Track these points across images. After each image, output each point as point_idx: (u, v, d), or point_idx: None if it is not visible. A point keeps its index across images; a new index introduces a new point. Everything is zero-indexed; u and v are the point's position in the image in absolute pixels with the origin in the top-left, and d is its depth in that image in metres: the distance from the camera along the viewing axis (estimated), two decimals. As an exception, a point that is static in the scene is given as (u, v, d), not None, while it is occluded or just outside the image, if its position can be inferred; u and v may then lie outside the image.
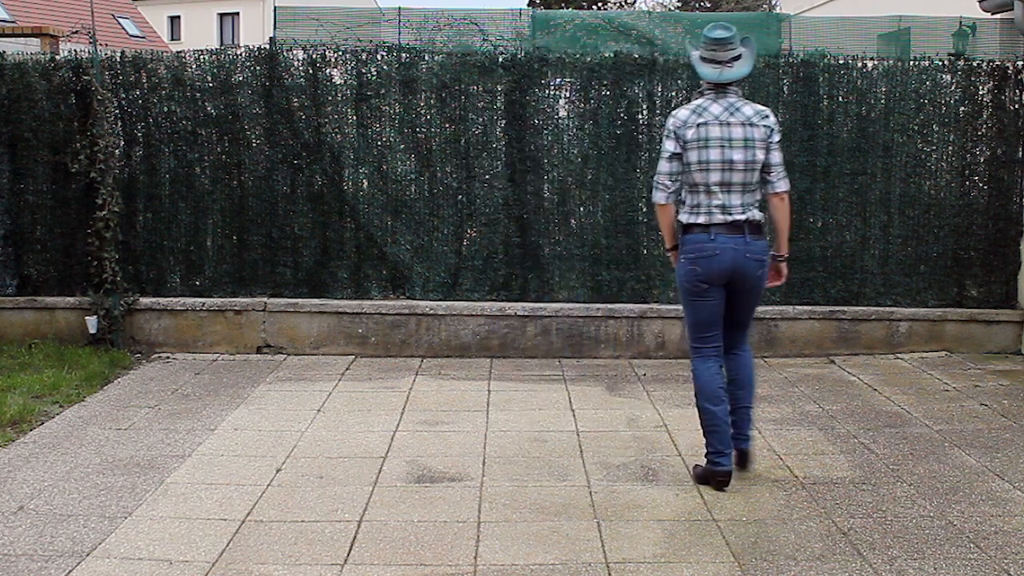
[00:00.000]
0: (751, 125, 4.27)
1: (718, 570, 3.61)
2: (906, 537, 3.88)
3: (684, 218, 4.38)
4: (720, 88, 4.31)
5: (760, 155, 4.28)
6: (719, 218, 4.28)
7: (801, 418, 5.50)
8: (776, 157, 4.34)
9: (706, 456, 4.43)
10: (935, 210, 7.08)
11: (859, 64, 6.97)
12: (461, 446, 5.03)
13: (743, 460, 4.56)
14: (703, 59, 4.32)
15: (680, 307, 6.90)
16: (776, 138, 4.33)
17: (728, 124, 4.26)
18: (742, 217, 4.29)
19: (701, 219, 4.31)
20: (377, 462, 4.77)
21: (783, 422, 5.44)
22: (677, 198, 4.40)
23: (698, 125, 4.26)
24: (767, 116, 4.33)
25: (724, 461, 4.37)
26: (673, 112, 4.41)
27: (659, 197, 4.37)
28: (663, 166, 4.34)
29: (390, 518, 4.08)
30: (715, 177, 4.26)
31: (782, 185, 4.37)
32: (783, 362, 6.89)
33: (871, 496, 4.32)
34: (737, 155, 4.25)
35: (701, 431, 4.46)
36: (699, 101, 4.34)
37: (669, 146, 4.32)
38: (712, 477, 4.39)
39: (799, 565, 3.64)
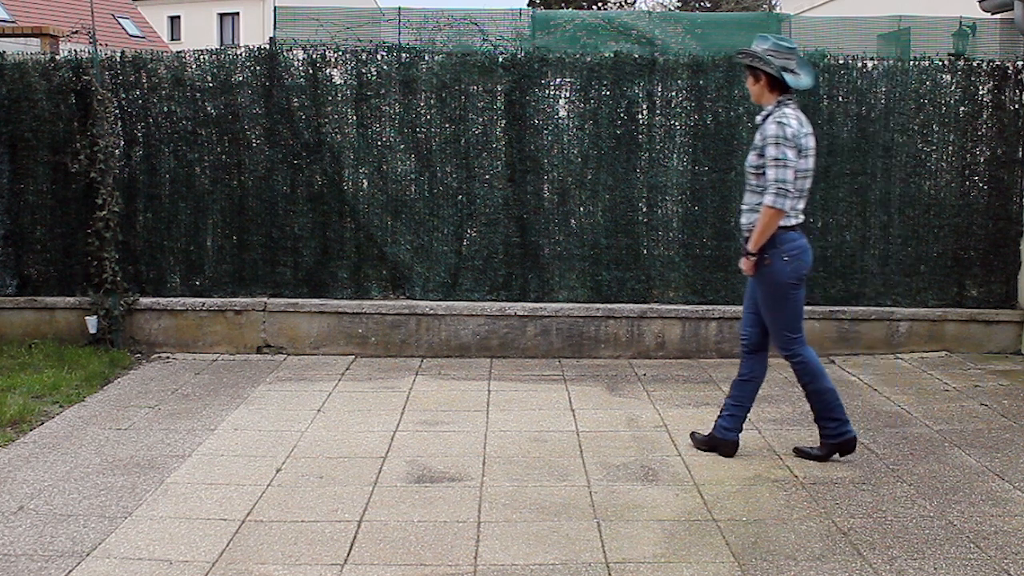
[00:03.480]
0: (814, 136, 4.64)
1: (718, 570, 3.61)
2: (906, 537, 3.88)
3: (783, 221, 4.54)
4: (791, 98, 4.56)
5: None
6: (801, 219, 4.63)
7: (801, 418, 5.50)
8: None
9: (831, 434, 4.73)
10: (935, 210, 7.08)
11: (859, 64, 6.97)
12: (461, 446, 5.03)
13: (736, 448, 4.86)
14: (783, 68, 4.49)
15: (678, 307, 7.02)
16: None
17: (812, 135, 4.60)
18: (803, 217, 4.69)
19: (795, 220, 4.59)
20: (377, 462, 4.77)
21: (783, 422, 5.44)
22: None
23: (806, 135, 4.51)
24: None
25: (852, 428, 4.76)
26: (783, 122, 4.46)
27: (785, 204, 4.45)
28: (790, 174, 4.44)
29: (390, 518, 4.08)
30: (807, 184, 4.60)
31: None
32: (783, 362, 6.85)
33: (871, 496, 4.33)
34: (813, 162, 4.61)
35: (818, 412, 4.76)
36: (792, 111, 4.52)
37: (792, 155, 4.45)
38: (846, 445, 4.75)
39: (799, 565, 3.64)
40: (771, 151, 4.42)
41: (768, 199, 4.42)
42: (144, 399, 5.91)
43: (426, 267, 7.13)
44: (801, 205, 4.58)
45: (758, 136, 4.54)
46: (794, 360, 4.72)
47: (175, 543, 3.83)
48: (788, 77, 4.48)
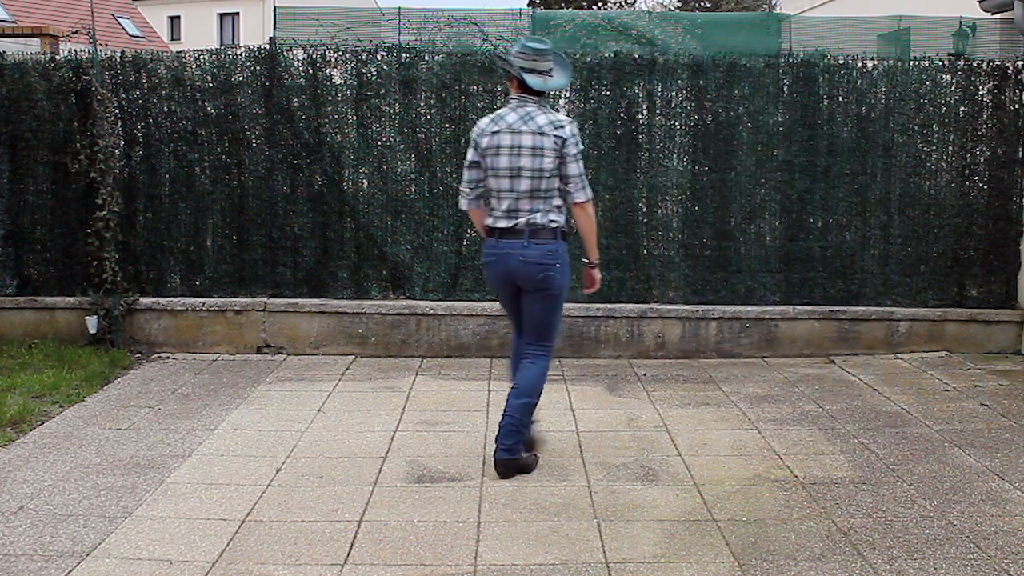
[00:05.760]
0: (542, 134, 4.34)
1: (718, 570, 3.61)
2: (906, 537, 3.88)
3: (487, 221, 4.56)
4: (523, 98, 4.43)
5: (548, 163, 4.35)
6: (503, 223, 4.44)
7: (801, 418, 5.51)
8: (573, 168, 4.39)
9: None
10: (935, 210, 7.08)
11: (859, 64, 6.98)
12: (461, 446, 5.03)
13: (498, 467, 4.52)
14: (523, 69, 4.39)
15: (678, 307, 7.03)
16: (572, 149, 4.37)
17: (519, 132, 4.37)
18: (523, 220, 4.39)
19: (490, 222, 4.51)
20: (377, 462, 4.77)
21: (783, 422, 5.44)
22: (485, 202, 4.56)
23: (492, 133, 4.42)
24: (562, 126, 4.37)
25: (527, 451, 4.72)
26: (478, 122, 4.55)
27: (461, 203, 4.62)
28: (463, 173, 4.57)
29: (390, 518, 4.08)
30: (505, 184, 4.40)
31: (580, 196, 4.43)
32: (783, 362, 6.89)
33: (871, 496, 4.33)
34: (525, 162, 4.36)
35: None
36: (501, 111, 4.51)
37: (468, 154, 4.54)
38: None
39: (799, 565, 3.64)
40: None
41: None
42: (144, 399, 5.91)
43: (426, 267, 7.13)
44: (503, 205, 4.40)
45: None
46: None
47: (175, 543, 3.82)
48: (528, 78, 4.35)
